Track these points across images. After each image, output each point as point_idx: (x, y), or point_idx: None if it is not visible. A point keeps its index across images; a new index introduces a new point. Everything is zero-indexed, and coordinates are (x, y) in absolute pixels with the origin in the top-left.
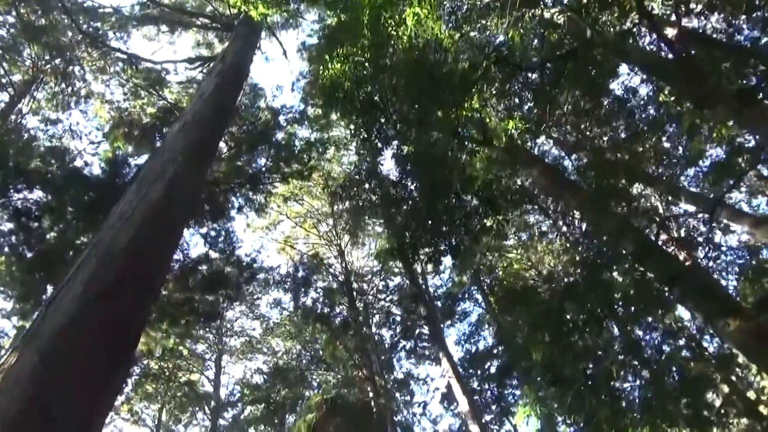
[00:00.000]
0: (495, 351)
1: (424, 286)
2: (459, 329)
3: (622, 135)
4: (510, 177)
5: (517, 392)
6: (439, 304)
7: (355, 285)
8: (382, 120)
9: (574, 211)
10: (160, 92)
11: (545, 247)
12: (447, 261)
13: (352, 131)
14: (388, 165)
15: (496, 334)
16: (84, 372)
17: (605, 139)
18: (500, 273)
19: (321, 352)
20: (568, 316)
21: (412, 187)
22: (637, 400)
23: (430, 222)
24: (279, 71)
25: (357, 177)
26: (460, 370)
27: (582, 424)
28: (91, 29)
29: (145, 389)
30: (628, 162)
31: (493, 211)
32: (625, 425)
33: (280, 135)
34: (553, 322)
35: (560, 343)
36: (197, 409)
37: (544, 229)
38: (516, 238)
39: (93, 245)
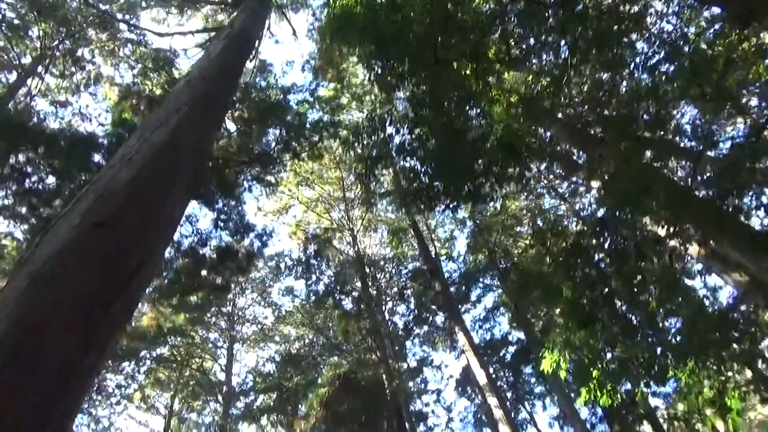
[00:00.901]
0: (510, 337)
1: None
2: (474, 315)
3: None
4: (530, 129)
5: (533, 380)
6: (453, 290)
7: (368, 270)
8: (396, 57)
9: (601, 161)
10: (170, 72)
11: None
12: (461, 244)
13: (364, 65)
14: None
15: (512, 318)
16: (76, 299)
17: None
18: (515, 252)
19: (333, 340)
20: (601, 255)
21: (428, 133)
22: (675, 341)
23: (447, 168)
24: (289, 54)
25: (369, 124)
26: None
27: (614, 367)
28: (100, 11)
29: (157, 376)
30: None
31: (514, 159)
32: (664, 367)
33: (290, 113)
34: (583, 258)
35: (591, 283)
36: (209, 397)
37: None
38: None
39: (92, 182)
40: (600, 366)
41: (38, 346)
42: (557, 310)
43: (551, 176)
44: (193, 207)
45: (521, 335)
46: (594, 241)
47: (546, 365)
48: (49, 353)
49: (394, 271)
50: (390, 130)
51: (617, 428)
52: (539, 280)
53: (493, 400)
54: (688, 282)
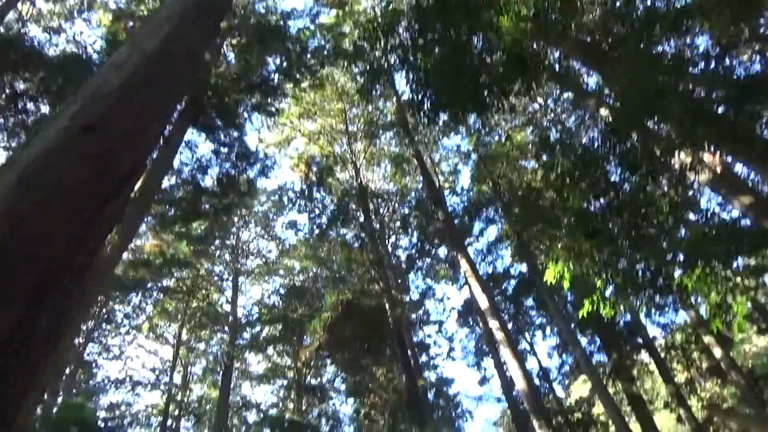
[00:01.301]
0: (512, 271)
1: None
2: (476, 248)
3: None
4: (541, 48)
5: (533, 313)
6: (456, 222)
7: (371, 206)
8: None
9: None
10: None
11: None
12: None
13: None
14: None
15: (514, 251)
16: (66, 197)
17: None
18: (520, 183)
19: (336, 273)
20: (609, 168)
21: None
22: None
23: (452, 81)
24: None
25: (374, 29)
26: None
27: (616, 280)
28: None
29: (164, 307)
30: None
31: (521, 73)
32: (671, 275)
33: (290, 40)
34: (591, 169)
35: (600, 192)
36: (216, 327)
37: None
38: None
39: (81, 88)
40: (605, 277)
41: (26, 240)
42: (563, 222)
43: (558, 109)
44: (192, 134)
45: (523, 268)
46: (604, 150)
47: (549, 276)
48: (38, 248)
49: (397, 204)
50: (394, 41)
51: (615, 357)
52: (543, 213)
53: (494, 323)
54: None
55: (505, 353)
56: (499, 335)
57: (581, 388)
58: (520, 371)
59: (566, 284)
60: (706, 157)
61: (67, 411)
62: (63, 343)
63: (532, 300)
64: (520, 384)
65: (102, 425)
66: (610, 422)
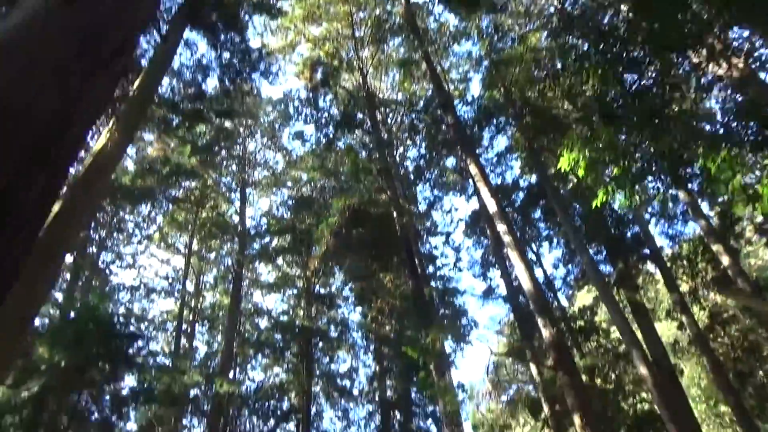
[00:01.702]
0: (521, 182)
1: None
2: (486, 158)
3: None
4: None
5: (541, 225)
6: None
7: (378, 117)
8: None
9: None
10: None
11: None
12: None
13: None
14: None
15: (524, 161)
16: (51, 65)
17: None
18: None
19: (344, 184)
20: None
21: None
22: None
23: None
24: None
25: None
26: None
27: (635, 167)
28: None
29: (174, 217)
30: None
31: None
32: (693, 158)
33: None
34: (612, 49)
35: (619, 74)
36: (225, 237)
37: None
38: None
39: None
40: (622, 164)
41: (7, 111)
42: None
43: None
44: (191, 33)
45: (533, 179)
46: (628, 30)
47: (563, 163)
48: (22, 120)
49: (405, 115)
50: None
51: (620, 266)
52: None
53: (502, 227)
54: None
55: (512, 256)
56: (506, 238)
57: (585, 297)
58: (526, 273)
59: (581, 172)
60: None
61: (85, 311)
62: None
63: (540, 212)
64: (526, 285)
65: (119, 327)
66: (612, 329)
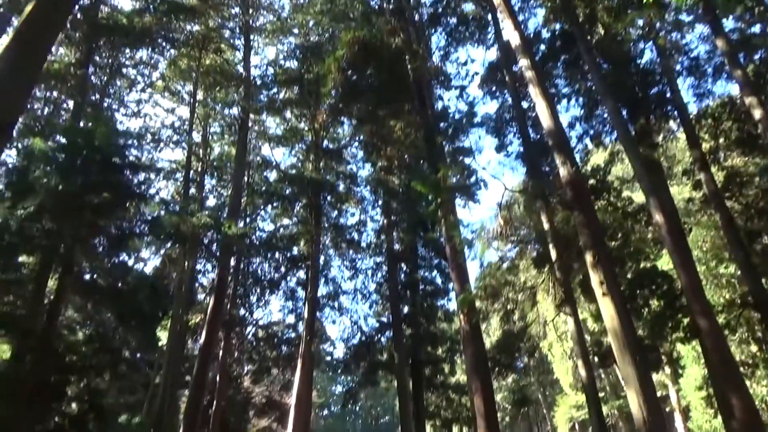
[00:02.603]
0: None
1: None
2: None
3: None
4: None
5: (560, 81)
6: None
7: None
8: None
9: None
10: None
11: None
12: None
13: None
14: None
15: (549, 9)
16: None
17: None
18: None
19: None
20: None
21: None
22: None
23: None
24: None
25: None
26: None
27: None
28: None
29: (178, 64)
30: None
31: None
32: None
33: None
34: None
35: None
36: (231, 84)
37: None
38: None
39: None
40: None
41: None
42: None
43: None
44: None
45: (557, 27)
46: None
47: None
48: None
49: None
50: None
51: (641, 122)
52: None
53: (524, 61)
54: None
55: (534, 92)
56: (528, 74)
57: (598, 157)
58: (547, 109)
59: None
60: None
61: (79, 135)
62: None
63: (561, 67)
64: (546, 122)
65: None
66: (624, 187)
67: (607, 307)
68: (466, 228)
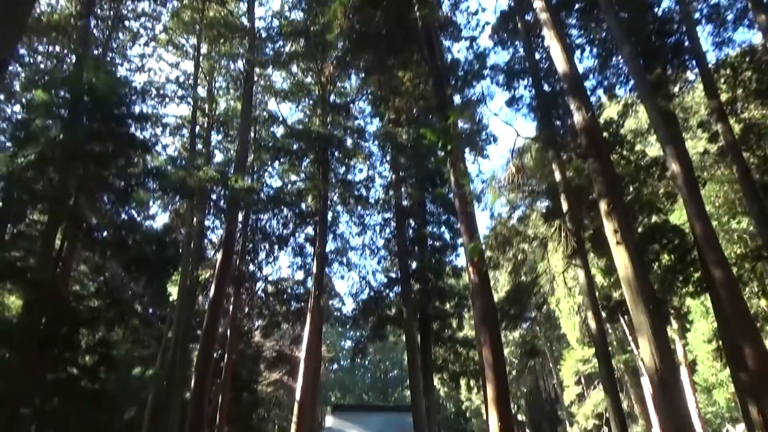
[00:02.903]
0: None
1: None
2: None
3: None
4: None
5: (574, 32)
6: None
7: None
8: None
9: None
10: None
11: None
12: None
13: None
14: None
15: None
16: None
17: None
18: None
19: None
20: None
21: None
22: None
23: None
24: None
25: None
26: None
27: None
28: None
29: (181, 17)
30: None
31: None
32: None
33: None
34: None
35: None
36: (236, 35)
37: None
38: None
39: None
40: None
41: None
42: None
43: None
44: None
45: None
46: None
47: None
48: None
49: None
50: None
51: (658, 71)
52: None
53: (538, 3)
54: None
55: (548, 35)
56: (543, 16)
57: (611, 110)
58: (562, 54)
59: None
60: None
61: (80, 84)
62: None
63: (576, 15)
64: (561, 66)
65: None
66: (638, 140)
67: (621, 255)
68: (477, 178)
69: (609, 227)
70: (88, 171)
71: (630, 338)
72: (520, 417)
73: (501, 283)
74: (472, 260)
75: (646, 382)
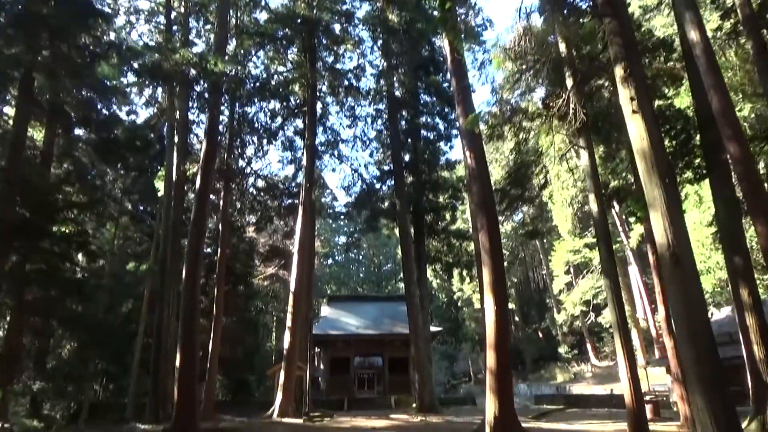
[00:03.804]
0: None
1: None
2: None
3: None
4: None
5: None
6: None
7: None
8: None
9: None
10: None
11: None
12: None
13: None
14: None
15: None
16: None
17: None
18: None
19: None
20: None
21: None
22: None
23: None
24: None
25: None
26: None
27: None
28: None
29: None
30: None
31: None
32: None
33: None
34: None
35: None
36: None
37: None
38: None
39: None
40: None
41: None
42: None
43: None
44: None
45: None
46: None
47: None
48: None
49: None
50: None
51: None
52: None
53: None
54: None
55: None
56: None
57: None
58: None
59: None
60: None
61: None
62: None
63: None
64: None
65: None
66: (644, 20)
67: (637, 125)
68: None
69: (625, 94)
70: (41, 43)
71: (620, 229)
72: (510, 305)
73: (498, 170)
74: (470, 142)
75: (633, 270)
